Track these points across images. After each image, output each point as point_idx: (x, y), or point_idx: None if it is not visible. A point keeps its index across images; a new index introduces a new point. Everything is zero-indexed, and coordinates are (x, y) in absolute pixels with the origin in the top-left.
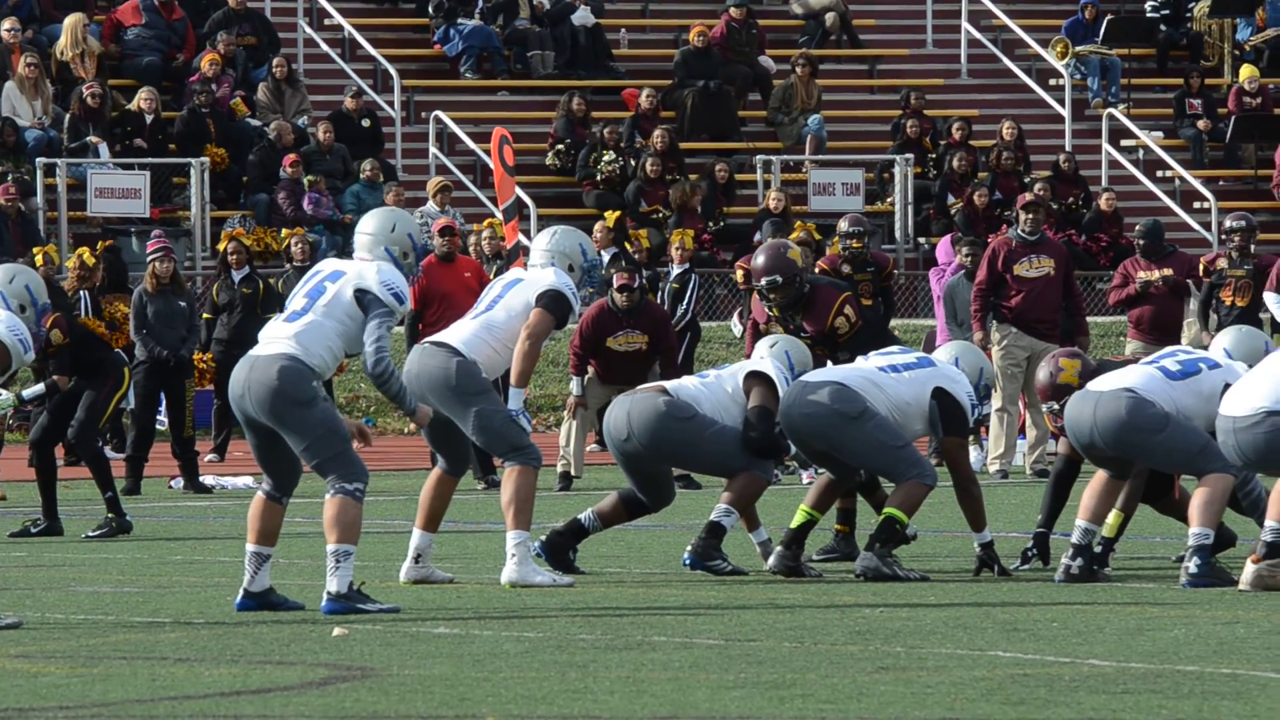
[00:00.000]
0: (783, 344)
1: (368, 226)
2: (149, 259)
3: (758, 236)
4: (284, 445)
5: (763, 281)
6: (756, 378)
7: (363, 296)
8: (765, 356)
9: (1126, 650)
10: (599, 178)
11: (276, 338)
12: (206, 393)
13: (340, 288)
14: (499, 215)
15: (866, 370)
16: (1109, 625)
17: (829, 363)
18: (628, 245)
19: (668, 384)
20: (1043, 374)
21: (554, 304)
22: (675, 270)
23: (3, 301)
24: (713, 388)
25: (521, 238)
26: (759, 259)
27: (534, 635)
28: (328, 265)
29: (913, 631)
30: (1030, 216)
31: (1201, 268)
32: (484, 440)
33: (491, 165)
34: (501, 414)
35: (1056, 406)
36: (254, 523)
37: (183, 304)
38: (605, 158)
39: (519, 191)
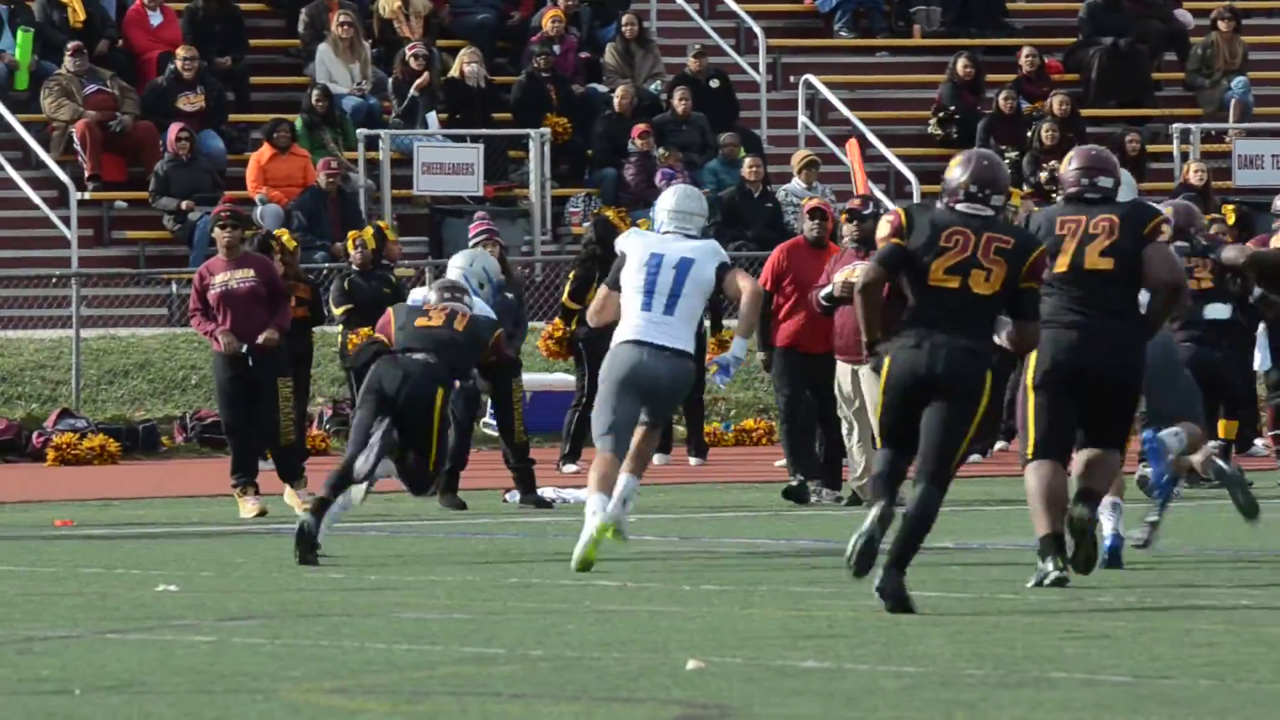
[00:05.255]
0: None
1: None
2: (471, 244)
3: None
4: None
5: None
6: None
7: None
8: None
9: None
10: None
11: None
12: (545, 393)
13: None
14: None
15: None
16: None
17: None
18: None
19: None
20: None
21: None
22: None
23: (466, 281)
24: None
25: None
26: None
27: (914, 670)
28: None
29: None
30: None
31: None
32: None
33: (853, 157)
34: None
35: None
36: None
37: (510, 295)
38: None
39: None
